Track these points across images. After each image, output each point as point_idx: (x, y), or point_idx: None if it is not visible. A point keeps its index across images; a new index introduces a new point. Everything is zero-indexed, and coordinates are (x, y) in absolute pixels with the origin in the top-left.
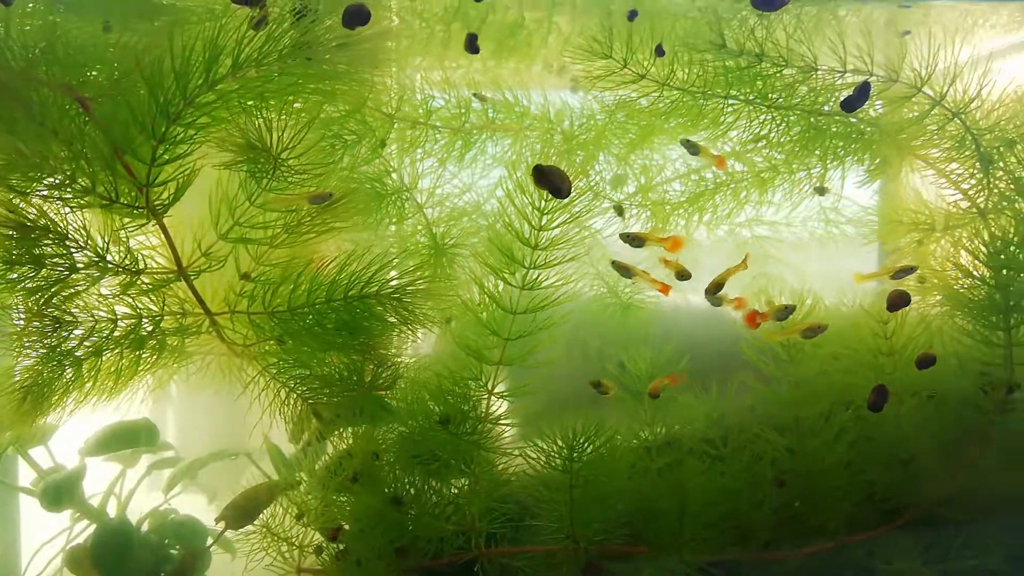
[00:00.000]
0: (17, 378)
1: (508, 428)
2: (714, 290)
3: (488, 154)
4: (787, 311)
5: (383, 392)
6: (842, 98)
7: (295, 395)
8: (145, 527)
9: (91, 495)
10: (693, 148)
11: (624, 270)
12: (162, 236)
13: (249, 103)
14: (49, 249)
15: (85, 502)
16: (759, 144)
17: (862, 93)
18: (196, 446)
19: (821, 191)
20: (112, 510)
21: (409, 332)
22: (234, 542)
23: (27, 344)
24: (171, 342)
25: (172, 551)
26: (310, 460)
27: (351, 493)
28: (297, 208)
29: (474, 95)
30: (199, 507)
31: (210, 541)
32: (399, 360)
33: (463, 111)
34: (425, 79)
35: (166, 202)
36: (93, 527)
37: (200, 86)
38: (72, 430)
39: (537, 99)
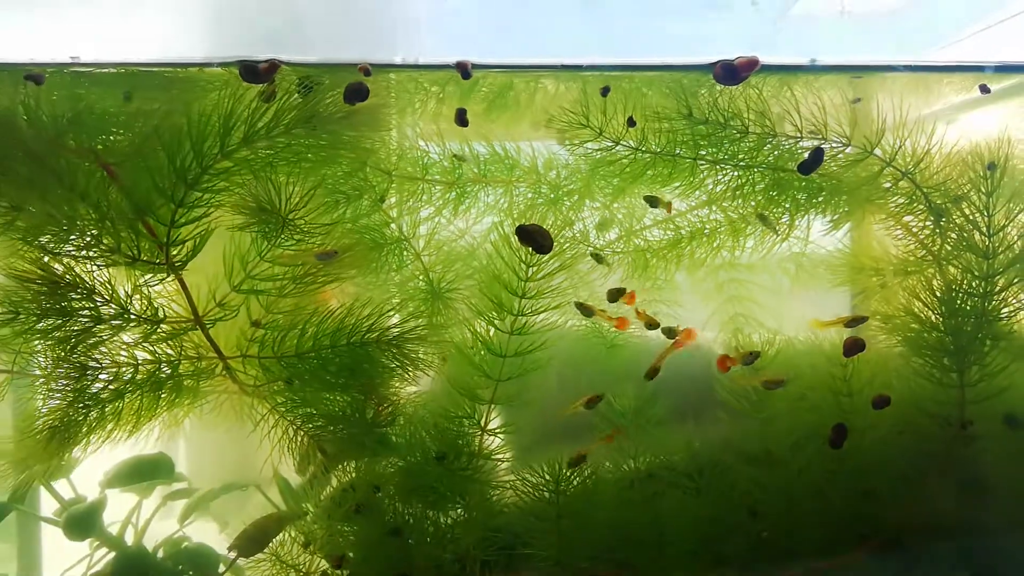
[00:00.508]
0: (44, 419)
1: (501, 461)
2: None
3: (481, 203)
4: (752, 357)
5: (383, 428)
6: (799, 163)
7: (302, 432)
8: (160, 555)
9: (109, 524)
10: (654, 201)
11: (586, 309)
12: (180, 289)
13: (260, 169)
14: (76, 302)
15: (105, 531)
16: (732, 201)
17: (816, 158)
18: (207, 478)
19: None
20: (129, 539)
21: (407, 374)
22: (244, 569)
23: (54, 388)
24: (187, 384)
25: None
26: (316, 492)
27: (354, 523)
28: (304, 262)
29: (455, 156)
30: (210, 535)
31: (222, 568)
32: (398, 398)
33: (457, 167)
34: (421, 135)
35: (184, 259)
36: (112, 555)
37: (215, 155)
38: (93, 463)
39: (527, 151)
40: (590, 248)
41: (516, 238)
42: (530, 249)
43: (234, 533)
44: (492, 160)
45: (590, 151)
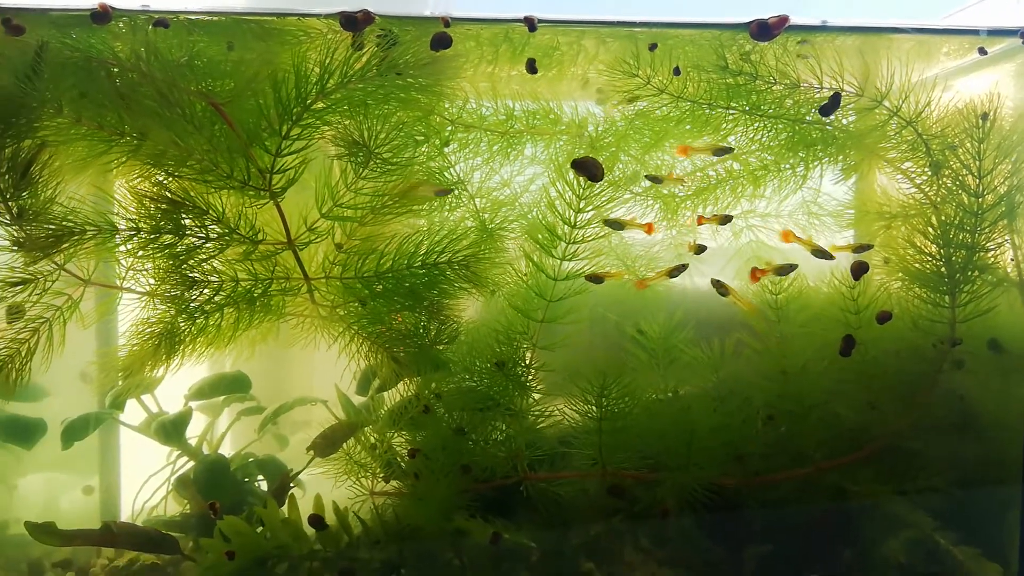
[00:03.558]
0: (153, 327)
1: (545, 377)
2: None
3: (526, 155)
4: (789, 268)
5: (444, 346)
6: (819, 107)
7: (376, 346)
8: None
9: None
10: (656, 178)
11: (616, 224)
12: (277, 214)
13: (353, 109)
14: (190, 221)
15: (186, 442)
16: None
17: (834, 101)
18: (273, 398)
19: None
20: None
21: (472, 294)
22: (303, 482)
23: (163, 300)
24: (274, 302)
25: (256, 484)
26: (378, 404)
27: (418, 427)
28: (398, 193)
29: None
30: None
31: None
32: (457, 320)
33: (509, 118)
34: (476, 90)
35: (283, 186)
36: (190, 464)
37: (316, 94)
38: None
39: (567, 108)
40: (627, 192)
41: (572, 170)
42: (582, 180)
43: (292, 450)
44: (538, 115)
45: (638, 98)
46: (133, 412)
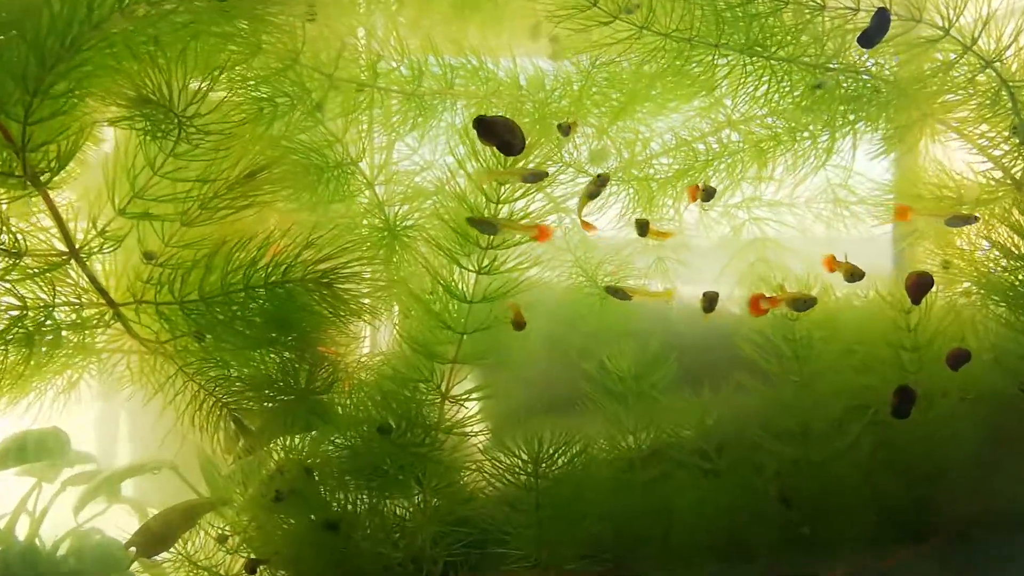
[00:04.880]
0: None
1: (472, 437)
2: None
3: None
4: (807, 302)
5: (321, 397)
6: (860, 33)
7: (216, 400)
8: (63, 550)
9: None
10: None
11: (488, 226)
12: (48, 211)
13: (142, 49)
14: None
15: None
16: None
17: (880, 22)
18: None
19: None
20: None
21: (347, 325)
22: (162, 565)
23: None
24: (70, 337)
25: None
26: (242, 475)
27: (282, 515)
28: (221, 180)
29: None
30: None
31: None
32: (340, 360)
33: (417, 74)
34: (373, 37)
35: (50, 168)
36: None
37: (81, 27)
38: None
39: (507, 65)
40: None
41: (476, 134)
42: (504, 158)
43: None
44: (463, 71)
45: (581, 27)
46: None
